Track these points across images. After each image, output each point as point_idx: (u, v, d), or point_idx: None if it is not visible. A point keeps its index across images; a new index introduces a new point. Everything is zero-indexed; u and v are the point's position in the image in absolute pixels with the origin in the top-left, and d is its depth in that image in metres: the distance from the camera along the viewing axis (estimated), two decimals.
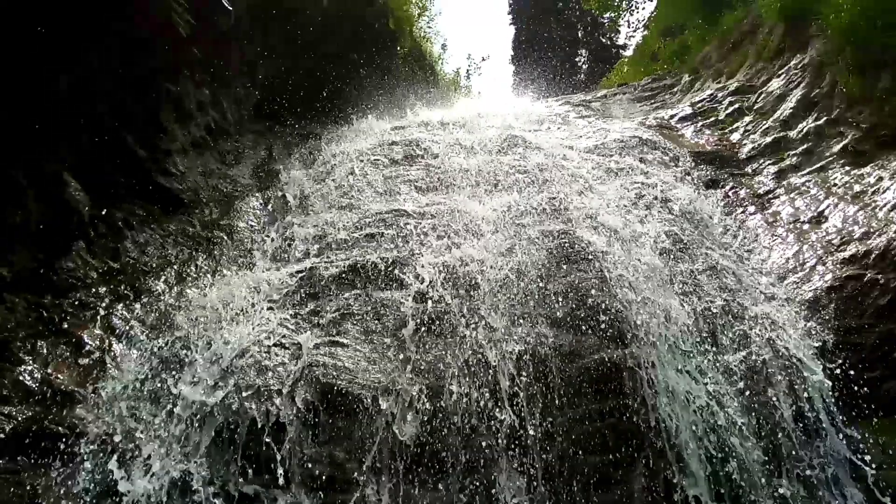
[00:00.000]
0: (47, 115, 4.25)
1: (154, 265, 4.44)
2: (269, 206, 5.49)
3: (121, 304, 4.05)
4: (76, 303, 3.87)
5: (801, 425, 3.72)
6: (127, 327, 3.95)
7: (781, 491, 3.48)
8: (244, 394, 3.57)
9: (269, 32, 6.87)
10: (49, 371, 3.47)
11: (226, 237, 4.99)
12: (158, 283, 4.33)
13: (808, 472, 3.57)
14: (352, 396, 3.63)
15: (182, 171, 5.14)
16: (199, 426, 3.43)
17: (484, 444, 3.53)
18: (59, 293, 3.84)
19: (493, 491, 3.40)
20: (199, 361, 3.75)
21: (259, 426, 3.45)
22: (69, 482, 3.13)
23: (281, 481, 3.30)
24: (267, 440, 3.41)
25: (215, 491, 3.25)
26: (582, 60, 28.01)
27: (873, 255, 4.37)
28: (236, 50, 6.41)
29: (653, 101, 9.56)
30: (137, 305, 4.11)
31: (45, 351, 3.54)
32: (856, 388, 3.87)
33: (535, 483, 3.43)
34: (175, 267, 4.52)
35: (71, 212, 4.13)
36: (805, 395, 3.79)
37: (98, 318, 3.89)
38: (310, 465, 3.38)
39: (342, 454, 3.44)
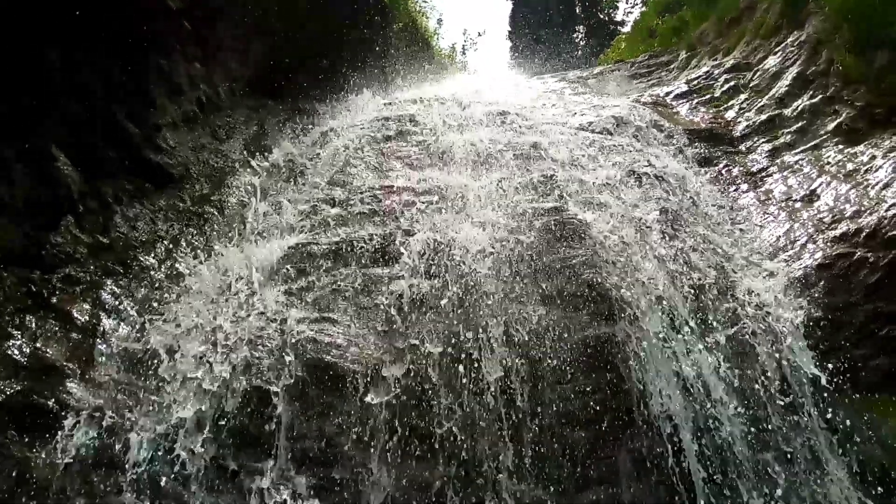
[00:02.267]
0: (36, 89, 4.21)
1: (144, 240, 4.42)
2: (261, 182, 5.46)
3: (110, 280, 4.04)
4: (65, 278, 3.86)
5: (786, 401, 3.76)
6: (116, 302, 3.94)
7: (766, 464, 3.53)
8: (234, 369, 3.58)
9: (262, 7, 6.78)
10: (38, 345, 3.47)
11: (216, 212, 4.97)
12: (148, 258, 4.32)
13: (792, 447, 3.60)
14: (342, 372, 3.65)
15: (172, 146, 5.10)
16: (189, 401, 3.44)
17: (474, 417, 3.56)
18: (47, 268, 3.83)
19: (482, 463, 3.43)
20: (189, 335, 3.76)
21: (249, 401, 3.47)
22: (59, 455, 3.14)
23: (271, 455, 3.33)
24: (257, 415, 3.43)
25: (205, 465, 3.28)
26: (579, 37, 27.76)
27: (864, 234, 4.38)
28: (229, 25, 6.33)
29: (649, 77, 9.50)
30: (127, 280, 4.11)
31: (33, 325, 3.54)
32: (842, 365, 3.90)
33: (523, 456, 3.46)
34: (165, 242, 4.50)
35: (59, 186, 4.10)
36: (791, 371, 3.82)
37: (87, 293, 3.88)
38: (300, 440, 3.41)
39: (332, 428, 3.47)
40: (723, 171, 6.03)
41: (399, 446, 3.45)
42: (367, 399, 3.55)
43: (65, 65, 4.38)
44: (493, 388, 3.66)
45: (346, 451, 3.38)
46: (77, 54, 4.43)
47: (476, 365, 3.74)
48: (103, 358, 3.60)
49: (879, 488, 3.49)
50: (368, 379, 3.64)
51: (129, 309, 3.94)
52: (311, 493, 3.24)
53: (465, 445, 3.47)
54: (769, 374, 3.83)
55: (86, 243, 4.12)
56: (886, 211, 4.37)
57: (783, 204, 5.25)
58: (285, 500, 3.20)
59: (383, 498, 3.27)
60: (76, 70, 4.45)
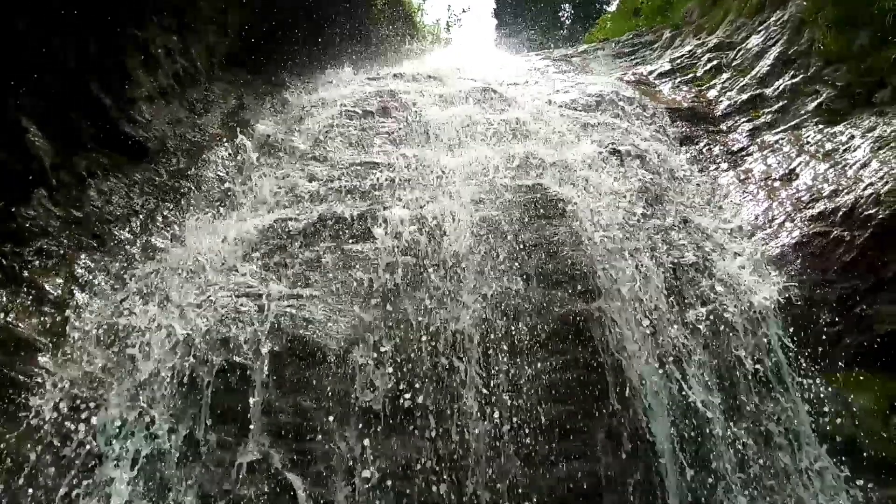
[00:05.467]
0: (5, 59, 4.10)
1: (119, 214, 4.35)
2: (239, 157, 5.39)
3: (84, 253, 3.98)
4: (38, 251, 3.80)
5: (762, 378, 3.80)
6: (90, 276, 3.89)
7: (740, 441, 3.57)
8: (211, 344, 3.55)
9: None
10: (9, 319, 3.41)
11: (193, 187, 4.90)
12: (123, 232, 4.26)
13: (766, 422, 3.65)
14: (319, 347, 3.63)
15: (148, 120, 5.01)
16: (164, 376, 3.41)
17: (452, 392, 3.56)
18: (19, 241, 3.76)
19: (460, 437, 3.44)
20: (165, 310, 3.72)
21: (225, 376, 3.45)
22: (32, 429, 3.11)
23: (247, 430, 3.32)
24: (233, 390, 3.41)
25: (180, 440, 3.26)
26: (565, 15, 27.58)
27: (840, 213, 4.41)
28: None
29: (633, 56, 9.47)
30: (101, 254, 4.05)
31: (4, 299, 3.48)
32: (817, 341, 3.95)
33: (501, 430, 3.48)
34: (141, 216, 4.44)
35: (31, 159, 4.02)
36: (767, 348, 3.86)
37: (60, 266, 3.82)
38: (276, 414, 3.40)
39: (309, 403, 3.46)
40: (703, 150, 6.04)
41: (376, 421, 3.45)
42: (344, 375, 3.54)
43: (37, 35, 4.27)
44: (471, 364, 3.66)
45: (323, 425, 3.37)
46: (50, 25, 4.32)
47: (455, 340, 3.74)
48: (76, 332, 3.56)
49: (852, 462, 3.54)
50: (346, 354, 3.62)
51: (102, 283, 3.89)
52: (287, 466, 3.23)
53: (442, 420, 3.48)
54: (745, 350, 3.86)
55: (59, 216, 4.05)
56: (863, 190, 4.39)
57: (762, 183, 5.27)
58: (261, 474, 3.20)
59: (359, 470, 3.27)
60: (50, 41, 4.34)
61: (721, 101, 6.70)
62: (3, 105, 4.02)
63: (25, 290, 3.61)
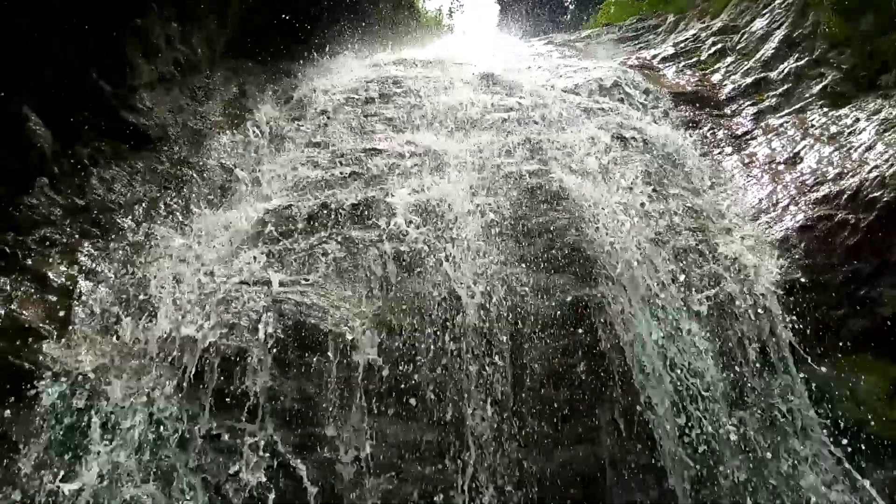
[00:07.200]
0: (4, 47, 4.09)
1: (121, 202, 4.35)
2: (241, 144, 5.38)
3: (87, 241, 3.98)
4: (41, 239, 3.80)
5: (765, 362, 3.80)
6: (94, 264, 3.89)
7: (745, 423, 3.58)
8: (214, 330, 3.56)
9: None
10: (13, 307, 3.42)
11: (195, 175, 4.89)
12: (126, 220, 4.26)
13: (770, 406, 3.65)
14: (322, 333, 3.63)
15: (149, 107, 4.98)
16: (168, 362, 3.43)
17: (455, 378, 3.57)
18: (22, 230, 3.76)
19: (464, 423, 3.45)
20: (168, 297, 3.73)
21: (229, 362, 3.45)
22: (36, 417, 3.13)
23: (251, 415, 3.33)
24: (237, 376, 3.42)
25: (185, 426, 3.27)
26: (569, 0, 27.37)
27: (845, 196, 4.39)
28: None
29: (636, 41, 9.42)
30: (104, 242, 4.05)
31: (8, 287, 3.48)
32: (821, 325, 3.94)
33: (504, 415, 3.49)
34: (143, 204, 4.43)
35: (32, 147, 4.01)
36: (770, 332, 3.85)
37: (64, 254, 3.82)
38: (280, 400, 3.41)
39: (312, 389, 3.47)
40: (707, 134, 6.01)
41: (380, 406, 3.46)
42: (348, 360, 3.55)
43: (36, 23, 4.25)
44: (474, 349, 3.67)
45: (327, 410, 3.38)
46: (49, 18, 4.30)
47: (457, 326, 3.74)
48: (80, 320, 3.56)
49: (855, 445, 3.55)
50: (349, 340, 3.62)
51: (106, 271, 3.90)
52: (292, 450, 3.25)
53: (446, 405, 3.49)
54: (748, 334, 3.86)
55: (61, 205, 4.04)
56: (868, 173, 4.37)
57: (766, 167, 5.25)
58: (266, 459, 3.21)
59: (364, 455, 3.29)
60: (49, 29, 4.32)
61: (725, 85, 6.67)
62: (4, 94, 4.01)
63: (29, 278, 3.61)
